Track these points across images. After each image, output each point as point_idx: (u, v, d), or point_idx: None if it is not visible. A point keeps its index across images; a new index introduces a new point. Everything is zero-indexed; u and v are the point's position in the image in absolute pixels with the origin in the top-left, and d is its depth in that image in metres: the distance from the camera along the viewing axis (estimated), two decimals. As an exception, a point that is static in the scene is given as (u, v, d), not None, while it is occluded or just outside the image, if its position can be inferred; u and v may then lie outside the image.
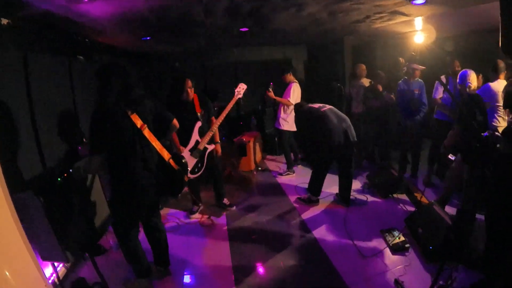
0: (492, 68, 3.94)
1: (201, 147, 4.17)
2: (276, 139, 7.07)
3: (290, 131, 5.96)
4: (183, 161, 3.13)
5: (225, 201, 4.77)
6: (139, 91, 2.67)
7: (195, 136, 4.17)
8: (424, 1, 3.74)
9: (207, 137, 4.20)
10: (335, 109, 4.58)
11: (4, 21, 2.94)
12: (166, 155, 2.90)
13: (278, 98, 5.83)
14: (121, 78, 2.60)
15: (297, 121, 5.04)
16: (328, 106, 4.57)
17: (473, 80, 4.04)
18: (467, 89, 3.89)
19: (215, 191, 4.72)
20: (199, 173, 4.21)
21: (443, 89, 4.78)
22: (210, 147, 4.29)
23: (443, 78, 4.85)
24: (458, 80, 4.08)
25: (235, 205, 4.86)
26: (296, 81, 5.92)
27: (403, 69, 5.93)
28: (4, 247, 1.88)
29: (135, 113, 2.65)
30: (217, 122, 4.27)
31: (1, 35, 2.93)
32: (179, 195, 3.29)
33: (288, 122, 5.88)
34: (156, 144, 2.80)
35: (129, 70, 2.67)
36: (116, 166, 2.70)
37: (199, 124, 4.20)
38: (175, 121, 3.08)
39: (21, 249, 2.00)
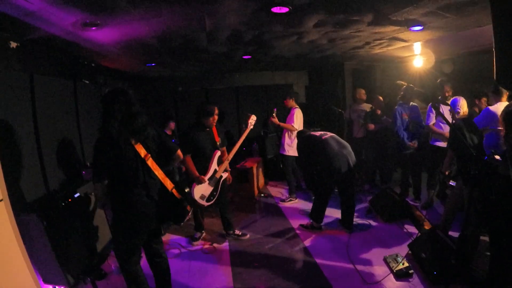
0: (493, 90, 3.93)
1: (218, 175, 4.20)
2: (281, 165, 7.02)
3: (294, 156, 5.96)
4: (186, 190, 3.12)
5: (237, 231, 4.67)
6: (143, 120, 2.64)
7: (214, 165, 4.18)
8: (421, 28, 3.84)
9: (223, 166, 4.26)
10: (336, 136, 4.61)
11: (13, 44, 3.02)
12: (169, 184, 2.85)
13: (282, 124, 5.85)
14: (126, 106, 2.58)
15: (298, 147, 5.05)
16: (329, 134, 4.60)
17: (463, 106, 4.16)
18: (456, 115, 4.02)
19: (224, 218, 4.59)
20: (214, 200, 4.22)
21: (434, 115, 4.81)
22: (225, 175, 4.34)
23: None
24: (450, 107, 4.19)
25: (247, 233, 4.76)
26: (298, 106, 5.97)
27: (400, 93, 6.02)
28: (7, 269, 1.87)
29: (139, 143, 2.63)
30: (232, 152, 4.34)
31: (10, 57, 3.00)
32: (182, 223, 3.27)
33: (292, 147, 5.88)
34: (159, 173, 2.77)
35: (134, 98, 2.64)
36: (119, 193, 2.67)
37: (218, 153, 4.23)
38: (179, 152, 3.07)
39: (24, 271, 1.99)
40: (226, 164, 4.27)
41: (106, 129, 2.54)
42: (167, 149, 2.96)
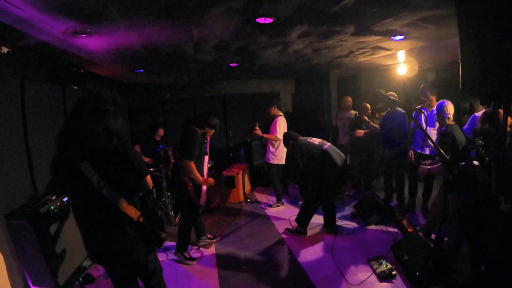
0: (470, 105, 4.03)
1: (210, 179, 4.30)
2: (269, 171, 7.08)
3: (279, 164, 6.04)
4: (158, 215, 2.98)
5: (209, 235, 4.73)
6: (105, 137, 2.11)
7: (206, 170, 4.30)
8: (403, 37, 3.98)
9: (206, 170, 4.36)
10: (332, 146, 4.75)
11: (4, 50, 3.05)
12: (134, 214, 2.24)
13: (265, 135, 5.95)
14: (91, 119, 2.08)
15: (294, 155, 4.78)
16: (327, 143, 4.71)
17: (451, 110, 3.92)
18: (447, 120, 3.81)
19: (199, 227, 4.58)
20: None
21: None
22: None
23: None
24: (435, 111, 3.99)
25: (218, 236, 4.85)
26: (282, 114, 6.05)
27: (378, 104, 6.17)
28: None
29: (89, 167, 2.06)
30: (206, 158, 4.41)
31: (1, 62, 3.03)
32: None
33: (276, 156, 5.97)
34: (120, 203, 2.16)
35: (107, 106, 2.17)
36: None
37: (207, 158, 4.33)
38: (148, 178, 2.36)
39: (13, 274, 2.02)
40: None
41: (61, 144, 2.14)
42: (135, 171, 2.25)
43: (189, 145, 3.92)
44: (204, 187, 4.17)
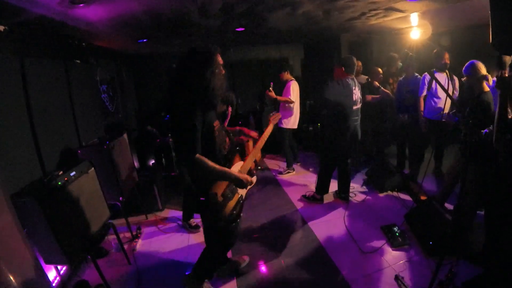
0: (496, 62, 3.77)
1: None
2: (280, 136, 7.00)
3: (291, 129, 5.98)
4: None
5: None
6: None
7: None
8: (418, -3, 3.75)
9: None
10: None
11: (1, 28, 2.94)
12: None
13: (279, 97, 5.82)
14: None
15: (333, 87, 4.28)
16: (359, 104, 4.41)
17: (484, 70, 3.46)
18: (489, 81, 3.39)
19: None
20: None
21: (426, 87, 4.72)
22: None
23: (426, 75, 4.77)
24: (464, 71, 3.57)
25: None
26: (293, 78, 5.93)
27: (397, 66, 5.96)
28: (7, 251, 1.90)
29: None
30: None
31: (-1, 41, 2.93)
32: None
33: (289, 120, 5.90)
34: None
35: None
36: None
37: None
38: None
39: (24, 253, 2.01)
40: None
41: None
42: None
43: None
44: None
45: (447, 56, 4.62)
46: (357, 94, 4.26)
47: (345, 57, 4.42)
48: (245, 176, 2.47)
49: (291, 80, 5.85)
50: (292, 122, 5.91)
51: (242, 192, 2.73)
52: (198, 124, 2.23)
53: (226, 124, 4.37)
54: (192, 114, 2.22)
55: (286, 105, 5.85)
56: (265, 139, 3.17)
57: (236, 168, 2.61)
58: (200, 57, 2.37)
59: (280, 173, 6.15)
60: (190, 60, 2.38)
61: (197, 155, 2.21)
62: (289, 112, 5.87)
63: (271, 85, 5.79)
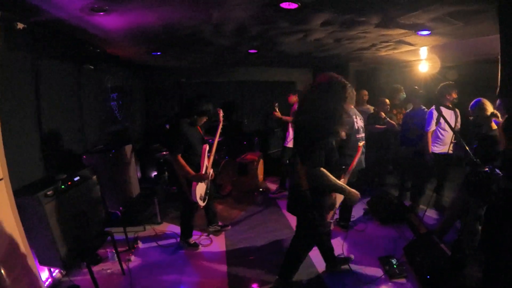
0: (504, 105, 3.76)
1: (208, 171, 3.98)
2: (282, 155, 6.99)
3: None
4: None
5: (220, 223, 4.68)
6: None
7: (205, 161, 3.93)
8: (429, 32, 3.83)
9: (211, 160, 4.08)
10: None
11: (20, 26, 3.00)
12: None
13: (284, 117, 5.88)
14: None
15: None
16: (362, 133, 4.37)
17: (491, 108, 3.52)
18: (499, 118, 3.39)
19: (210, 213, 4.50)
20: (206, 198, 4.13)
21: (435, 121, 4.67)
22: (210, 170, 4.10)
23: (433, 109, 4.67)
24: (471, 109, 3.65)
25: (229, 224, 4.81)
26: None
27: (399, 98, 6.02)
28: (3, 248, 1.88)
29: None
30: (214, 145, 4.18)
31: (16, 38, 2.99)
32: None
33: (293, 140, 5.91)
34: None
35: None
36: None
37: (207, 147, 3.98)
38: None
39: (20, 251, 2.00)
40: (211, 158, 4.11)
41: None
42: None
43: (170, 139, 3.74)
44: (194, 183, 3.78)
45: (453, 92, 4.64)
46: (358, 123, 4.25)
47: None
48: (355, 192, 2.77)
49: (297, 102, 5.89)
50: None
51: (338, 205, 3.09)
52: (326, 144, 2.66)
53: (218, 133, 4.28)
54: (325, 135, 2.63)
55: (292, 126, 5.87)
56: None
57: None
58: (337, 87, 2.66)
59: (273, 192, 6.12)
60: (329, 88, 2.66)
61: (321, 168, 2.58)
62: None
63: (276, 105, 5.87)
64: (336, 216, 4.71)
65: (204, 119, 3.97)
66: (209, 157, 4.04)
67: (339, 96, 2.63)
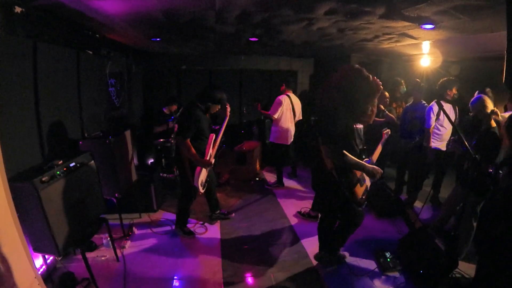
0: (509, 97, 3.69)
1: (212, 159, 4.05)
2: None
3: (281, 144, 5.90)
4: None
5: (223, 211, 4.72)
6: None
7: (210, 149, 4.03)
8: (433, 26, 3.77)
9: (215, 149, 4.13)
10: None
11: (18, 9, 2.95)
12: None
13: (263, 111, 5.86)
14: None
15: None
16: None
17: (491, 105, 3.49)
18: (498, 117, 3.41)
19: (212, 200, 4.54)
20: (206, 185, 4.15)
21: (435, 117, 4.64)
22: (213, 160, 4.17)
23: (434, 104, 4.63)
24: (471, 105, 3.61)
25: (232, 211, 4.86)
26: (288, 93, 5.87)
27: (400, 91, 5.98)
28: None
29: None
30: (219, 136, 4.22)
31: (14, 22, 2.94)
32: None
33: (275, 134, 5.89)
34: None
35: None
36: None
37: (213, 136, 4.08)
38: None
39: (14, 237, 1.99)
40: (215, 148, 4.15)
41: None
42: None
43: (183, 122, 3.82)
44: (198, 168, 3.88)
45: (455, 88, 4.60)
46: None
47: None
48: (376, 169, 2.99)
49: (282, 95, 5.80)
50: (277, 137, 5.86)
51: (368, 182, 3.27)
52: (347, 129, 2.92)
53: (223, 127, 4.33)
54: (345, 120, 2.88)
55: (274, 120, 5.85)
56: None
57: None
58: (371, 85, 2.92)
59: (270, 185, 6.12)
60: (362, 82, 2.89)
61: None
62: (274, 127, 5.89)
63: (256, 104, 5.98)
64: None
65: (217, 108, 4.08)
66: (213, 146, 4.10)
67: (362, 85, 2.88)
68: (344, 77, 2.94)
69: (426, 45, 5.18)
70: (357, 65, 2.97)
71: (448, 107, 4.66)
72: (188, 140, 3.75)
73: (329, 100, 2.94)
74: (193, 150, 3.78)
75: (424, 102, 5.11)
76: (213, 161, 4.11)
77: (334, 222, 3.55)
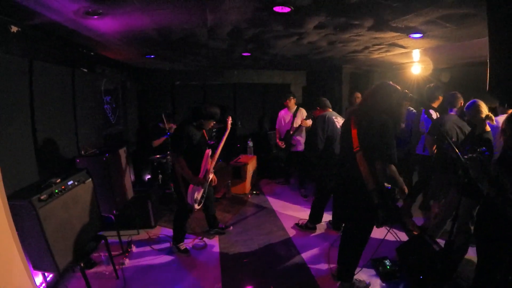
0: (499, 102, 3.77)
1: (208, 176, 4.05)
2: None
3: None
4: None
5: (221, 225, 4.72)
6: None
7: (205, 165, 3.99)
8: (421, 35, 3.87)
9: (212, 165, 4.12)
10: None
11: (14, 29, 3.01)
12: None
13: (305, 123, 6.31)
14: None
15: (316, 127, 4.59)
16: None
17: (486, 110, 3.52)
18: (493, 122, 3.44)
19: (209, 217, 4.54)
20: (202, 202, 4.13)
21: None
22: (211, 175, 4.18)
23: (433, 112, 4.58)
24: (466, 110, 3.61)
25: (230, 225, 4.86)
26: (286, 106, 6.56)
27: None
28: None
29: None
30: (218, 150, 4.25)
31: (10, 41, 2.99)
32: None
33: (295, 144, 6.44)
34: None
35: None
36: None
37: (209, 152, 4.04)
38: None
39: (14, 255, 1.99)
40: (213, 163, 4.16)
41: None
42: None
43: (175, 138, 3.85)
44: (191, 185, 3.85)
45: (442, 95, 4.64)
46: (340, 122, 4.37)
47: (317, 99, 4.83)
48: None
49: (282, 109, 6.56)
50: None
51: None
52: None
53: (223, 140, 4.41)
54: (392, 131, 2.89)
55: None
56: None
57: None
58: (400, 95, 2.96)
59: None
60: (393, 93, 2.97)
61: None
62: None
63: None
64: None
65: (212, 123, 4.03)
66: (212, 160, 4.11)
67: (396, 96, 2.94)
68: (378, 92, 3.05)
69: (416, 53, 5.28)
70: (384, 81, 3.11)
71: (433, 112, 4.69)
72: (181, 157, 3.75)
73: (374, 114, 2.95)
74: (186, 168, 3.76)
75: (411, 108, 5.19)
76: (211, 176, 4.12)
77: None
